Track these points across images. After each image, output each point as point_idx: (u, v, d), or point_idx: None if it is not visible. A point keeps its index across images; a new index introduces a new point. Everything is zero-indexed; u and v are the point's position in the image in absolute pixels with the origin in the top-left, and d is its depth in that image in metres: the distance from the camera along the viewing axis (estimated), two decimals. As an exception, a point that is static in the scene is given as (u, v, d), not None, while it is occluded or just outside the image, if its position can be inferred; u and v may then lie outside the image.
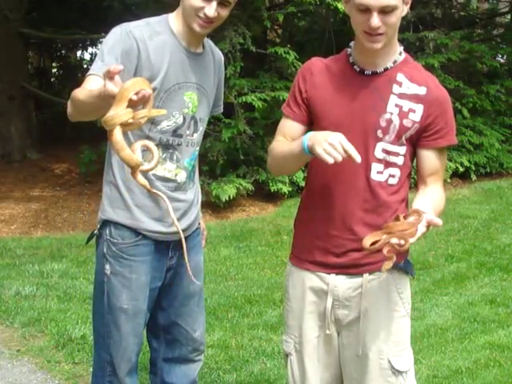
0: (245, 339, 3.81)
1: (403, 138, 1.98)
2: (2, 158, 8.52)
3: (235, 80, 6.90)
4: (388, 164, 1.99)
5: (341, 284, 2.06)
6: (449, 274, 5.01)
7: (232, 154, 7.13)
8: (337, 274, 2.06)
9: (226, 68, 7.15)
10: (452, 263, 5.29)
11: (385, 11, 1.84)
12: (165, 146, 2.19)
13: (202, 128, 2.29)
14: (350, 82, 1.99)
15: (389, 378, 2.09)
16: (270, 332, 3.93)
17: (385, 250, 1.77)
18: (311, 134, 1.90)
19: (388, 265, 1.79)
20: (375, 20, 1.84)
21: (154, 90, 2.06)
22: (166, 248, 2.27)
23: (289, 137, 2.08)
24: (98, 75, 1.99)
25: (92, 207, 6.81)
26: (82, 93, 1.96)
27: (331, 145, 1.79)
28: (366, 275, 2.04)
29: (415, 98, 1.97)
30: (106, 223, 2.23)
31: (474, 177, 8.35)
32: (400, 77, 1.98)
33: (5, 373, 3.39)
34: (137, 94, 1.69)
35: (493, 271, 5.08)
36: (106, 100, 1.71)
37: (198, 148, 2.31)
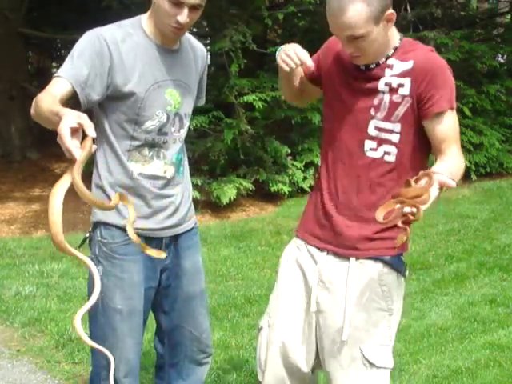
0: (245, 339, 3.81)
1: (396, 114, 2.02)
2: (1, 157, 8.51)
3: (236, 80, 6.90)
4: (381, 141, 2.04)
5: (328, 265, 2.12)
6: (449, 274, 5.02)
7: (232, 153, 7.12)
8: (328, 252, 2.13)
9: (228, 67, 7.15)
10: (452, 263, 5.29)
11: (355, 38, 1.93)
12: (151, 145, 2.19)
13: (187, 123, 2.29)
14: (351, 74, 2.10)
15: (358, 370, 2.07)
16: (270, 332, 3.93)
17: (399, 222, 1.70)
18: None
19: (402, 238, 1.73)
20: (348, 48, 1.99)
21: (130, 94, 2.11)
22: (159, 246, 2.26)
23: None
24: (64, 78, 2.02)
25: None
26: (45, 101, 1.93)
27: (286, 54, 2.05)
28: (352, 259, 2.08)
29: (403, 74, 2.02)
30: (96, 225, 2.24)
31: (474, 177, 8.35)
32: (391, 60, 2.05)
33: (5, 373, 3.39)
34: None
35: (493, 271, 5.08)
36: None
37: (183, 143, 2.31)
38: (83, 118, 1.65)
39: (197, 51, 2.34)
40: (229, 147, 6.99)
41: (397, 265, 2.11)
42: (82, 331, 1.60)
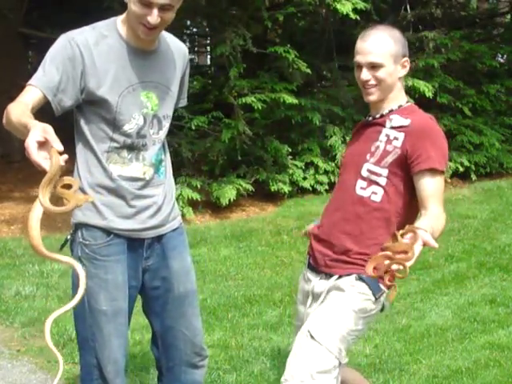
0: (245, 339, 3.82)
1: (385, 161, 2.27)
2: (1, 158, 8.51)
3: (235, 81, 6.90)
4: (371, 182, 2.30)
5: (317, 284, 2.38)
6: (449, 274, 5.02)
7: (232, 154, 7.13)
8: (320, 279, 2.37)
9: (228, 70, 7.17)
10: (452, 263, 5.29)
11: (374, 67, 2.26)
12: (129, 148, 2.18)
13: (167, 124, 2.27)
14: (362, 129, 2.44)
15: (300, 340, 2.22)
16: (270, 332, 3.93)
17: (386, 279, 1.87)
18: None
19: (393, 295, 1.95)
20: (364, 74, 2.28)
21: (104, 98, 2.10)
22: (140, 246, 2.25)
23: None
24: (35, 86, 2.04)
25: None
26: (15, 112, 1.95)
27: None
28: (334, 277, 2.31)
29: (400, 128, 2.29)
30: (77, 226, 2.22)
31: (474, 177, 8.35)
32: (393, 115, 2.33)
33: (5, 373, 3.39)
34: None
35: (493, 271, 5.08)
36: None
37: (162, 143, 2.29)
38: (49, 132, 1.66)
39: (176, 51, 2.30)
40: (227, 147, 6.99)
41: (374, 286, 2.25)
42: (48, 333, 1.73)
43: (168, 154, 2.36)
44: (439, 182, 2.25)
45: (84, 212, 2.20)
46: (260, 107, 6.93)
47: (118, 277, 2.21)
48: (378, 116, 2.36)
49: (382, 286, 2.25)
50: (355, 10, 6.73)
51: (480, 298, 4.48)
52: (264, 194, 7.34)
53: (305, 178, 7.46)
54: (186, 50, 2.39)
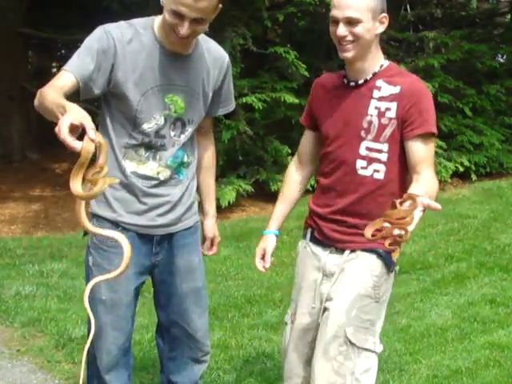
0: (245, 339, 3.82)
1: (383, 135, 2.20)
2: (2, 157, 8.51)
3: (235, 80, 6.88)
4: (371, 160, 2.23)
5: (329, 261, 2.32)
6: (449, 274, 5.01)
7: (232, 154, 7.12)
8: (330, 252, 2.33)
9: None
10: (452, 263, 5.29)
11: (351, 22, 2.13)
12: (147, 146, 2.21)
13: (190, 129, 2.28)
14: (341, 94, 2.30)
15: (340, 348, 2.21)
16: (270, 332, 3.93)
17: (386, 243, 1.85)
18: None
19: (396, 254, 1.94)
20: (340, 29, 2.14)
21: (127, 93, 2.11)
22: (150, 242, 2.28)
23: (304, 140, 2.52)
24: (71, 72, 2.04)
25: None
26: (51, 93, 1.94)
27: None
28: (346, 252, 2.28)
29: (390, 98, 2.20)
30: (92, 216, 2.27)
31: (474, 177, 8.34)
32: (379, 82, 2.23)
33: (5, 373, 3.39)
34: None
35: (493, 271, 5.07)
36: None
37: (186, 147, 2.29)
38: (87, 119, 1.67)
39: (214, 58, 2.30)
40: (228, 147, 6.99)
41: (388, 260, 2.27)
42: (87, 298, 1.76)
43: (195, 157, 2.37)
44: (432, 146, 2.23)
45: (98, 203, 2.25)
46: (260, 107, 6.93)
47: None
48: (361, 82, 2.25)
49: (393, 258, 2.27)
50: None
51: (480, 298, 4.48)
52: (264, 194, 7.34)
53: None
54: (226, 59, 2.36)
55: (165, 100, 2.18)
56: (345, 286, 2.26)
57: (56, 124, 1.67)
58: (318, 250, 2.37)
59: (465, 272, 5.07)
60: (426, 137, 2.19)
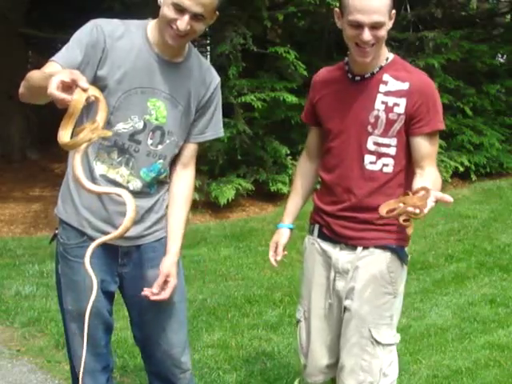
0: (245, 339, 3.82)
1: (392, 130, 2.20)
2: (2, 157, 8.51)
3: (235, 80, 6.90)
4: (380, 155, 2.23)
5: (341, 258, 2.32)
6: (449, 274, 5.01)
7: (232, 153, 7.12)
8: (340, 249, 2.32)
9: (227, 69, 7.14)
10: (452, 263, 5.29)
11: (375, 27, 2.09)
12: (121, 150, 2.13)
13: (168, 141, 2.18)
14: (345, 87, 2.27)
15: (367, 347, 2.27)
16: (270, 332, 3.93)
17: (401, 219, 1.88)
18: None
19: (410, 230, 1.93)
20: (366, 34, 2.09)
21: (105, 87, 2.06)
22: (115, 253, 2.20)
23: (310, 136, 2.48)
24: (58, 63, 2.00)
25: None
26: (37, 74, 1.94)
27: None
28: (359, 249, 2.28)
29: (399, 93, 2.20)
30: (59, 222, 2.24)
31: (474, 177, 8.34)
32: (386, 77, 2.22)
33: (5, 373, 3.39)
34: (87, 98, 1.70)
35: (493, 271, 5.07)
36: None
37: (162, 161, 2.19)
38: (75, 73, 1.67)
39: (202, 77, 2.22)
40: (227, 147, 6.99)
41: (402, 253, 2.33)
42: (88, 258, 1.77)
43: (167, 187, 2.28)
44: (437, 141, 2.26)
45: (64, 207, 2.20)
46: (260, 106, 6.93)
47: (85, 280, 2.13)
48: (367, 75, 2.23)
49: (406, 250, 2.33)
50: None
51: (480, 298, 4.48)
52: (264, 194, 7.34)
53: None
54: (216, 81, 2.26)
55: (147, 104, 2.12)
56: (363, 285, 2.27)
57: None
58: (327, 246, 2.37)
59: (465, 272, 5.07)
60: (432, 133, 2.22)
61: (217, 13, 2.08)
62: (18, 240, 5.95)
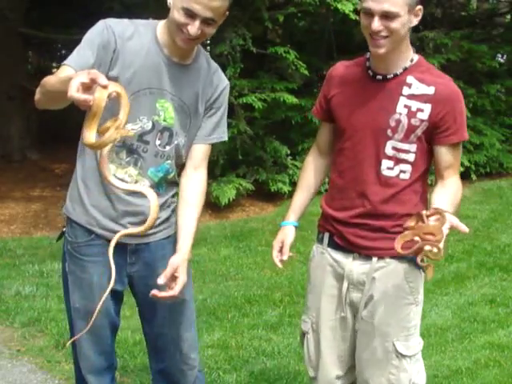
0: (245, 339, 3.82)
1: (412, 136, 2.10)
2: (2, 157, 8.51)
3: (235, 80, 6.89)
4: (398, 161, 2.13)
5: (355, 269, 2.22)
6: (449, 274, 5.02)
7: (232, 154, 7.12)
8: (353, 258, 2.22)
9: (225, 69, 7.13)
10: (452, 263, 5.29)
11: (387, 16, 1.98)
12: (129, 150, 2.14)
13: (176, 142, 2.18)
14: (364, 86, 2.16)
15: (393, 361, 2.20)
16: (270, 332, 3.93)
17: (419, 259, 1.84)
18: None
19: (430, 274, 1.95)
20: (376, 23, 1.99)
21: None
22: (124, 251, 2.19)
23: (321, 132, 2.37)
24: (71, 66, 2.00)
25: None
26: (53, 79, 1.95)
27: None
28: (374, 259, 2.18)
29: (423, 98, 2.09)
30: (67, 221, 2.24)
31: (474, 177, 8.34)
32: (410, 79, 2.11)
33: (5, 373, 3.39)
34: (109, 95, 1.70)
35: (493, 271, 5.08)
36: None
37: (170, 162, 2.20)
38: (93, 72, 1.67)
39: (210, 79, 2.21)
40: (228, 147, 6.99)
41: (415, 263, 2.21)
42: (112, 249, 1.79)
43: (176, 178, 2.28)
44: (460, 151, 2.19)
45: (73, 205, 2.21)
46: (260, 106, 6.93)
47: (93, 278, 2.20)
48: (390, 76, 2.11)
49: (428, 278, 2.22)
50: (355, 11, 6.74)
51: (480, 298, 4.48)
52: (264, 194, 7.34)
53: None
54: (222, 84, 2.25)
55: (156, 104, 2.12)
56: (383, 298, 2.19)
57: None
58: (338, 256, 2.26)
59: (465, 272, 5.08)
60: (458, 144, 2.15)
61: (227, 13, 2.07)
62: (17, 240, 5.94)
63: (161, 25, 2.15)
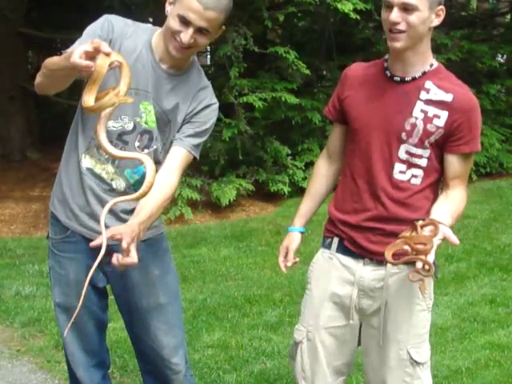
0: (245, 339, 3.82)
1: (427, 141, 2.08)
2: (2, 157, 8.51)
3: (236, 80, 6.90)
4: (411, 165, 2.11)
5: (367, 275, 2.18)
6: (449, 274, 5.01)
7: (232, 154, 7.13)
8: (364, 264, 2.18)
9: (229, 70, 7.12)
10: (452, 263, 5.29)
11: (406, 9, 1.96)
12: None
13: (155, 146, 2.16)
14: (381, 87, 2.13)
15: (406, 369, 2.17)
16: (269, 332, 3.93)
17: (410, 276, 1.86)
18: None
19: (423, 288, 1.90)
20: (394, 14, 1.97)
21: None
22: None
23: (333, 135, 2.33)
24: None
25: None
26: (51, 60, 1.97)
27: None
28: (388, 266, 2.11)
29: (441, 104, 2.06)
30: (51, 216, 2.28)
31: (474, 177, 8.34)
32: (428, 84, 2.08)
33: (5, 373, 3.39)
34: (111, 64, 1.72)
35: (493, 271, 5.07)
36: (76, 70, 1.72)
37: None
38: (96, 41, 1.69)
39: (199, 95, 2.18)
40: (228, 147, 6.99)
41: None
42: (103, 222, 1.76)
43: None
44: (471, 162, 2.18)
45: (54, 199, 2.25)
46: (261, 105, 6.93)
47: (70, 274, 2.23)
48: (408, 79, 2.08)
49: (419, 294, 2.18)
50: (355, 11, 6.74)
51: (480, 298, 4.48)
52: (264, 194, 7.35)
53: (305, 179, 7.45)
54: (208, 101, 2.20)
55: (140, 106, 2.11)
56: (397, 305, 2.16)
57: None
58: (348, 261, 2.21)
59: (465, 272, 5.08)
60: (468, 154, 2.14)
61: (223, 27, 2.07)
62: (17, 240, 5.95)
63: (158, 32, 2.16)
